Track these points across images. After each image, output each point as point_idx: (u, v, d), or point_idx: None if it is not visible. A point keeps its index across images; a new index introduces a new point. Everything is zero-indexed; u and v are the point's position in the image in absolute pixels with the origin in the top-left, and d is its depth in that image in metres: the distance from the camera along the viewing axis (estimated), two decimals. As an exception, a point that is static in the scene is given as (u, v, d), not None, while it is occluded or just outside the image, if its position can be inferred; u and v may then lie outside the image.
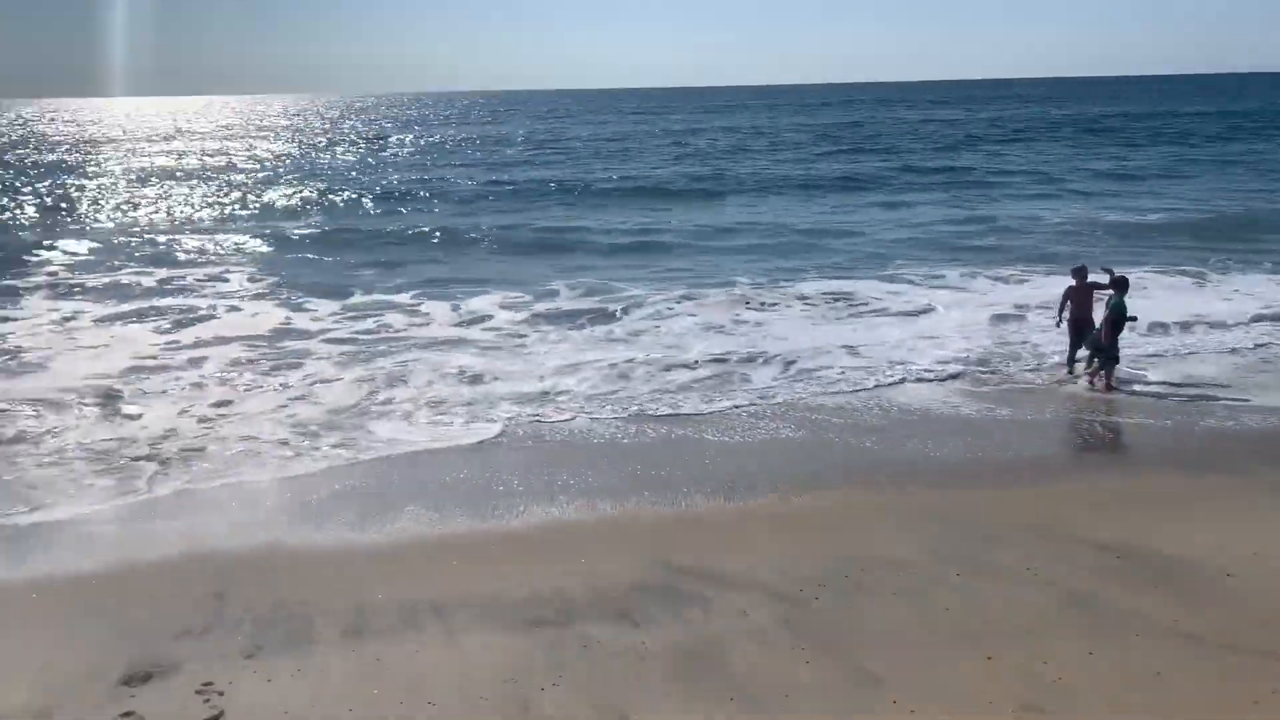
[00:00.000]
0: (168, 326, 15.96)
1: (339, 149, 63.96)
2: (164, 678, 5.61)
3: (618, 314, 16.61)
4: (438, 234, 26.48)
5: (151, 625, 6.34)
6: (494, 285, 18.97)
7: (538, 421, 10.91)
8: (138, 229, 28.64)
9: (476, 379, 12.73)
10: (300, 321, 16.28)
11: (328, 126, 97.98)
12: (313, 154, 59.85)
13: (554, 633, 6.19)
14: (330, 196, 35.80)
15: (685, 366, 13.12)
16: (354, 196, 35.50)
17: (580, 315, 16.47)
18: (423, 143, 68.29)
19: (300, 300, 17.93)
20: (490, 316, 16.54)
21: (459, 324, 16.14)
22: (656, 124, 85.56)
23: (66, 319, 16.58)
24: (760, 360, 13.28)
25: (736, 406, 11.35)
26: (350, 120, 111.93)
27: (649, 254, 23.40)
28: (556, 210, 32.15)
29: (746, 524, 8.06)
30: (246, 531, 8.10)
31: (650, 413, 11.15)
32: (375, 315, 16.69)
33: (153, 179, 44.13)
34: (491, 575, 7.10)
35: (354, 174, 45.66)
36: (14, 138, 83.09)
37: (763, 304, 17.27)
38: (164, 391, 12.22)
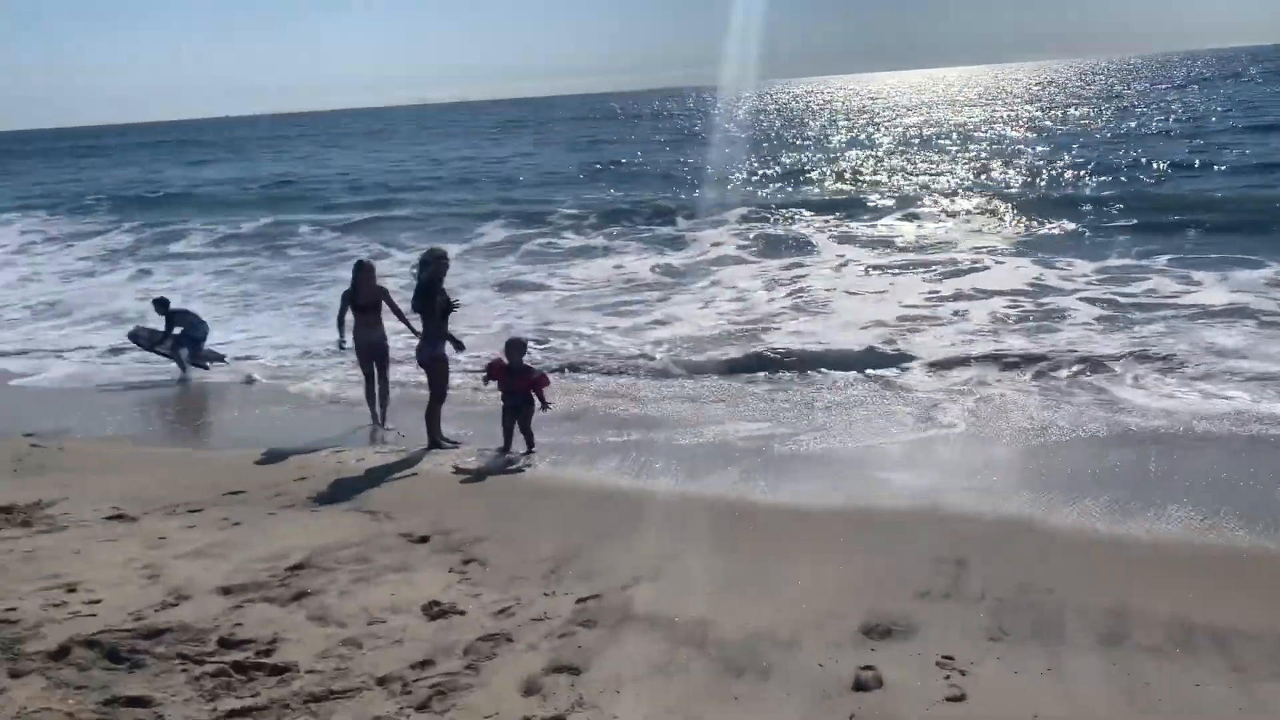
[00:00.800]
0: (932, 278, 16.89)
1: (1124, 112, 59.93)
2: (903, 638, 5.30)
3: None
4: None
5: (890, 577, 6.13)
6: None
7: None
8: (899, 187, 30.19)
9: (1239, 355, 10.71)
10: (1051, 279, 15.60)
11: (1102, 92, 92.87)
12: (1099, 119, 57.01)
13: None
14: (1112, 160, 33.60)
15: None
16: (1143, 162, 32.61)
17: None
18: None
19: (1052, 258, 17.15)
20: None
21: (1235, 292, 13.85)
22: None
23: (842, 266, 18.56)
24: None
25: None
26: (1123, 86, 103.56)
27: None
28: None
29: None
30: (989, 498, 7.55)
31: None
32: (1138, 279, 15.05)
33: (926, 142, 46.21)
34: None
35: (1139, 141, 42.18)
36: (797, 109, 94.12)
37: None
38: (937, 340, 12.70)
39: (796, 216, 25.68)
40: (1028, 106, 71.30)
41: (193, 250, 26.63)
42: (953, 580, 6.10)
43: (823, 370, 11.80)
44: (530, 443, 9.09)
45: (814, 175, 36.15)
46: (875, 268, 18.69)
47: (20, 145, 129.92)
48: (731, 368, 12.16)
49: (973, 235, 21.57)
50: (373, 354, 10.24)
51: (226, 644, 5.09)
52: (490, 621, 5.42)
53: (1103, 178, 29.39)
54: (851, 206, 27.13)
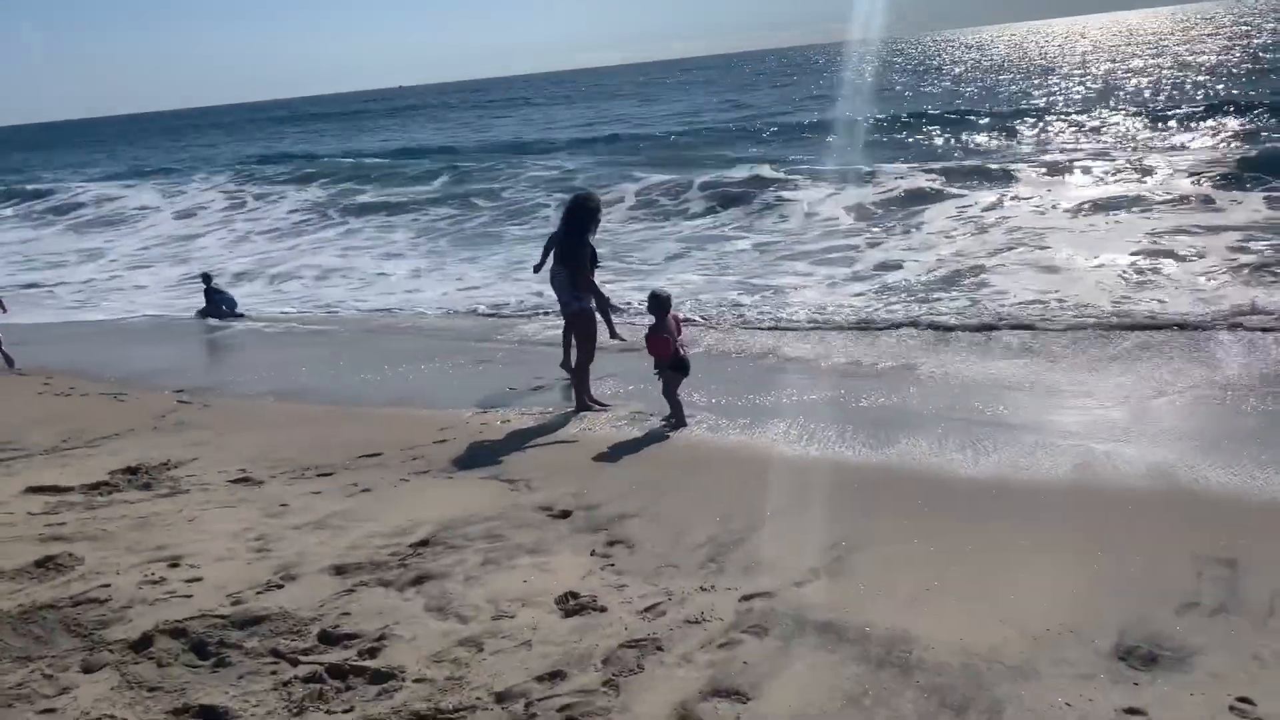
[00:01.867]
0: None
1: None
2: (1174, 668, 3.99)
3: None
4: None
5: (1143, 581, 4.79)
6: None
7: None
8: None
9: None
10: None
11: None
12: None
13: None
14: None
15: None
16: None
17: None
18: None
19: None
20: None
21: None
22: None
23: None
24: None
25: None
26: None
27: None
28: None
29: None
30: (1258, 476, 6.03)
31: None
32: None
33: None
34: None
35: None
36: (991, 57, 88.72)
37: None
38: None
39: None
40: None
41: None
42: (1228, 588, 4.71)
43: (1047, 322, 10.34)
44: (677, 413, 7.87)
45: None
46: (1089, 205, 16.87)
47: (219, 118, 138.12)
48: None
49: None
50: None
51: (328, 638, 4.30)
52: (636, 622, 4.43)
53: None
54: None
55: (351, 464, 7.21)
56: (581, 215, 8.28)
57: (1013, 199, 19.09)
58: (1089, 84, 45.74)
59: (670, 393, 7.86)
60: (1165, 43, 74.16)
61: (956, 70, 71.26)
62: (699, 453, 7.16)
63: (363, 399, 9.53)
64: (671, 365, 7.85)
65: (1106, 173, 20.84)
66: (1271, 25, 78.69)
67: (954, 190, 20.43)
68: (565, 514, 5.89)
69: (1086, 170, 21.42)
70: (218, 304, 15.63)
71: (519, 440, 7.71)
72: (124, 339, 14.26)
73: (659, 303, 7.91)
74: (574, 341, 8.58)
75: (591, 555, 5.24)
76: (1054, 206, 17.89)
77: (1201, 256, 12.94)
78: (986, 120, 33.50)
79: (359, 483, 6.69)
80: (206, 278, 16.25)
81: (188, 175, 42.25)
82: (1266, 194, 16.85)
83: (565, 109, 73.82)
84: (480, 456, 7.28)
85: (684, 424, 7.78)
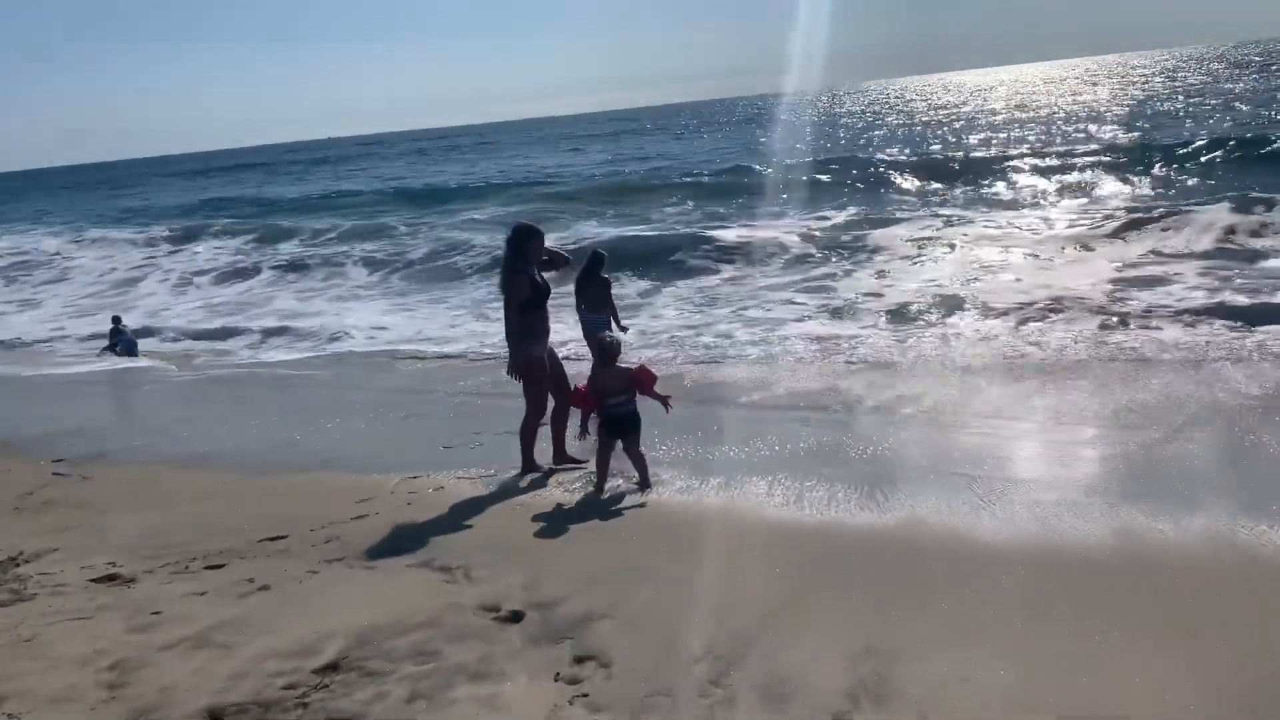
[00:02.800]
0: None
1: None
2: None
3: None
4: None
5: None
6: None
7: None
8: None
9: None
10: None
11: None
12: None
13: None
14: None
15: None
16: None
17: None
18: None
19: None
20: None
21: None
22: None
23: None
24: None
25: None
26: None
27: None
28: None
29: None
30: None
31: None
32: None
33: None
34: None
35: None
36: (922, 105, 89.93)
37: None
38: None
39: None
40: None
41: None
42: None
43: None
44: (644, 474, 6.71)
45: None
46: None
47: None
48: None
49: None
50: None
51: (187, 837, 3.00)
52: (627, 790, 3.21)
53: None
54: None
55: (250, 550, 5.88)
56: (509, 242, 7.11)
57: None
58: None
59: (632, 448, 6.68)
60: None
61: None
62: (674, 522, 5.97)
63: (274, 464, 8.17)
64: (605, 423, 6.69)
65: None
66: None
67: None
68: (516, 616, 4.65)
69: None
70: (115, 344, 15.66)
71: (455, 512, 6.44)
72: (24, 392, 12.70)
73: (607, 349, 6.76)
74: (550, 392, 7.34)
75: (555, 680, 4.01)
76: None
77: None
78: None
79: (256, 577, 5.36)
80: (116, 319, 16.48)
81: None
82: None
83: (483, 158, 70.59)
84: (408, 535, 6.00)
85: (648, 487, 6.61)
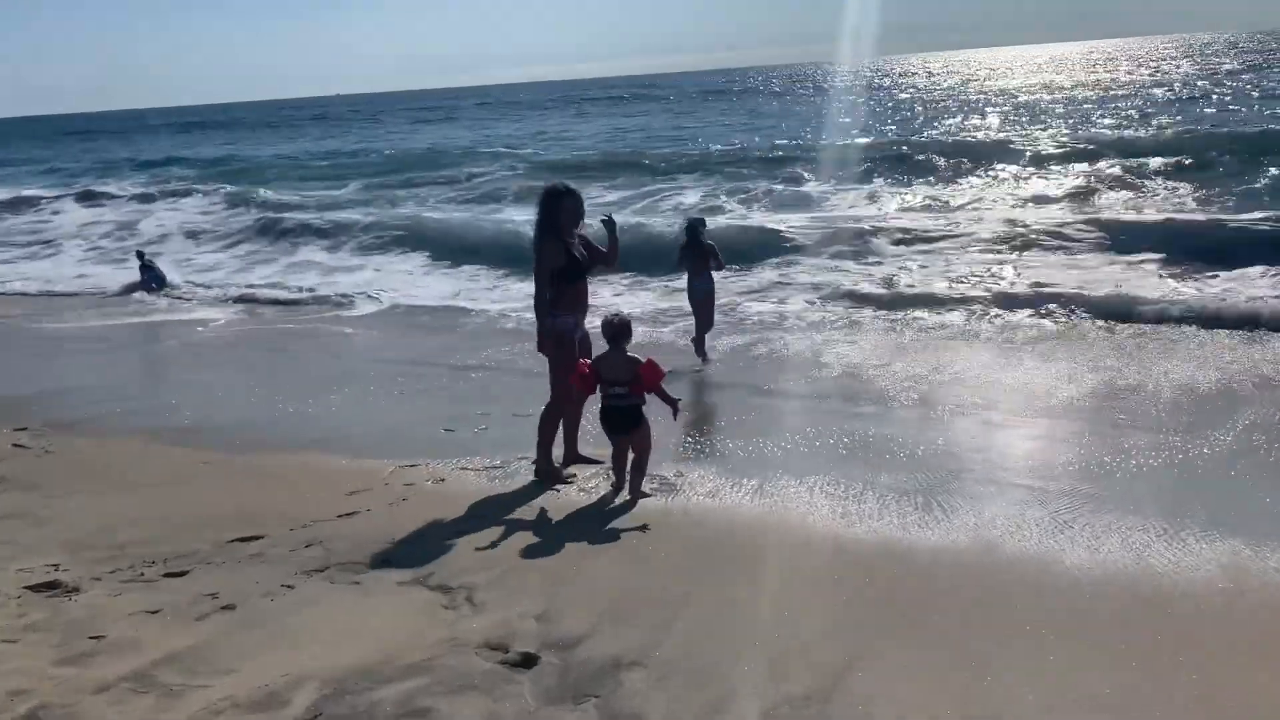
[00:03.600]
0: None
1: None
2: None
3: None
4: None
5: None
6: None
7: None
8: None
9: None
10: None
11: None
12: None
13: None
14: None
15: None
16: None
17: None
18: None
19: None
20: None
21: None
22: None
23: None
24: None
25: None
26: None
27: None
28: None
29: None
30: None
31: None
32: None
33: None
34: None
35: None
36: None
37: None
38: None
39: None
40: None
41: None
42: None
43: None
44: (634, 481, 5.80)
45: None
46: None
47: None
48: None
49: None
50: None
51: None
52: None
53: None
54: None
55: (218, 554, 5.08)
56: (539, 206, 6.21)
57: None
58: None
59: (635, 449, 5.83)
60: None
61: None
62: (707, 536, 5.14)
63: (261, 440, 7.38)
64: (602, 415, 5.86)
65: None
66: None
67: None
68: (528, 661, 3.82)
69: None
70: (148, 280, 15.77)
71: (456, 514, 5.62)
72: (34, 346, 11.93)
73: (611, 328, 5.81)
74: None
75: (577, 760, 3.20)
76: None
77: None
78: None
79: (221, 592, 4.55)
80: (140, 254, 16.76)
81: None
82: None
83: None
84: (401, 542, 5.18)
85: (641, 493, 5.78)
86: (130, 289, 15.83)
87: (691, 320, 9.63)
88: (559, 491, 5.95)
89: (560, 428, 6.32)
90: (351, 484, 6.16)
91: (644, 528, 5.23)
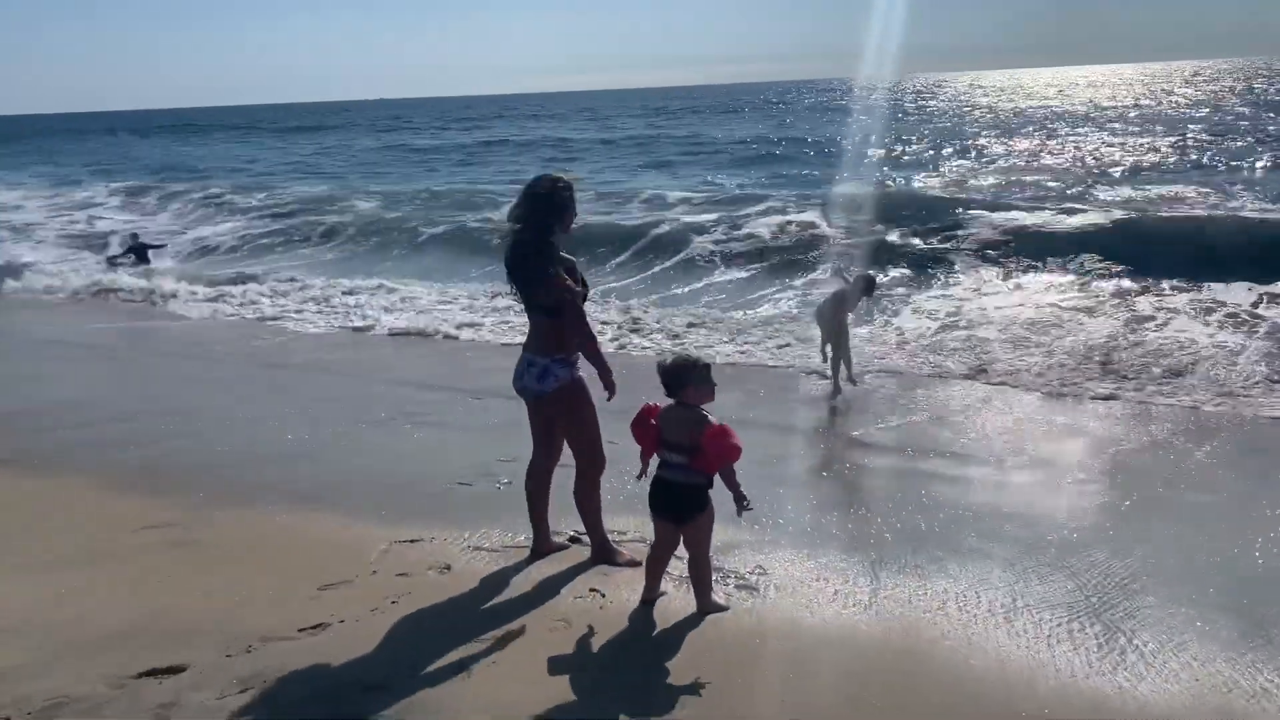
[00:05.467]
0: None
1: None
2: None
3: None
4: None
5: None
6: None
7: None
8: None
9: None
10: None
11: None
12: None
13: None
14: None
15: None
16: None
17: None
18: None
19: None
20: None
21: None
22: None
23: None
24: None
25: None
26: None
27: None
28: None
29: None
30: None
31: None
32: None
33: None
34: None
35: None
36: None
37: None
38: None
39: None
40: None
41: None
42: None
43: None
44: (698, 590, 4.16)
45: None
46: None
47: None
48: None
49: None
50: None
51: None
52: None
53: None
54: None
55: (113, 699, 3.51)
56: (534, 209, 4.46)
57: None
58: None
59: (691, 543, 4.13)
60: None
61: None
62: (808, 651, 3.50)
63: (228, 490, 5.86)
64: (652, 488, 4.14)
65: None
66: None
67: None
68: None
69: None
70: (132, 250, 16.58)
71: (461, 624, 4.03)
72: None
73: (670, 372, 4.05)
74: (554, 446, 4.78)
75: None
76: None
77: None
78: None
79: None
80: (134, 236, 17.69)
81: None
82: None
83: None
84: (377, 683, 3.59)
85: (707, 607, 4.16)
86: (112, 261, 16.47)
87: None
88: (612, 579, 4.34)
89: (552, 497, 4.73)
90: (330, 568, 4.60)
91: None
